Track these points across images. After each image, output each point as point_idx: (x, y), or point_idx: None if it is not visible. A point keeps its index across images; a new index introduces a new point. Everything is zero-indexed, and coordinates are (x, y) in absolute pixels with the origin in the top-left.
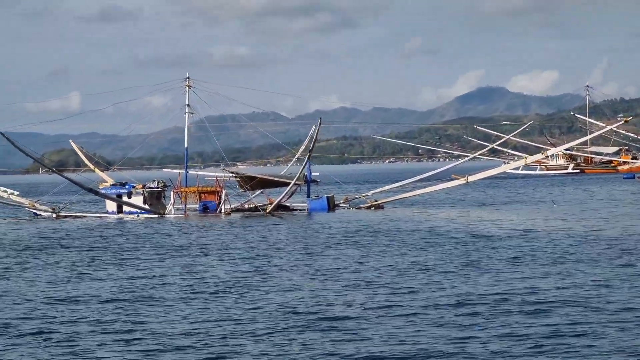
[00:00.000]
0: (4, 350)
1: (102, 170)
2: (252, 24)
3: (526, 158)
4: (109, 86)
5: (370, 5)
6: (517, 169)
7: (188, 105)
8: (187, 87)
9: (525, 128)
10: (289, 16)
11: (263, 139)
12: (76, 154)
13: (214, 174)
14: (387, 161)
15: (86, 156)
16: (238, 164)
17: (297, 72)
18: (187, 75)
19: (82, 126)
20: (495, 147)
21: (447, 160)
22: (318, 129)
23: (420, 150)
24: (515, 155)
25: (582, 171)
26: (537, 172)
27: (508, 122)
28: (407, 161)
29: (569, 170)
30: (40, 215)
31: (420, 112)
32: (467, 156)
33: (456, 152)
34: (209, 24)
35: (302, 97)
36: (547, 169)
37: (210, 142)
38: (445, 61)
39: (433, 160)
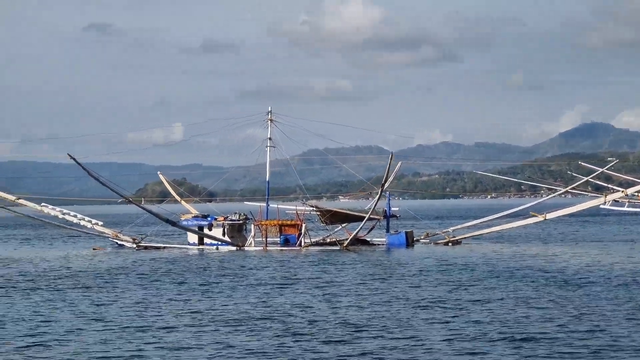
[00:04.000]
0: None
1: (193, 202)
2: (354, 56)
3: (605, 195)
4: (210, 117)
5: (473, 39)
6: (604, 204)
7: (270, 139)
8: (269, 121)
9: (611, 166)
10: (391, 49)
11: (366, 172)
12: (166, 184)
13: (294, 207)
14: (489, 197)
15: (172, 187)
16: (340, 197)
17: (399, 106)
18: (270, 109)
19: (185, 157)
20: (598, 183)
21: (549, 196)
22: (389, 164)
23: (522, 186)
24: (613, 189)
25: None
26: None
27: (613, 158)
28: (509, 197)
29: None
30: (124, 245)
31: (523, 148)
32: (573, 193)
33: (559, 188)
34: (311, 56)
35: (404, 132)
36: None
37: (314, 175)
38: (549, 96)
39: (536, 197)
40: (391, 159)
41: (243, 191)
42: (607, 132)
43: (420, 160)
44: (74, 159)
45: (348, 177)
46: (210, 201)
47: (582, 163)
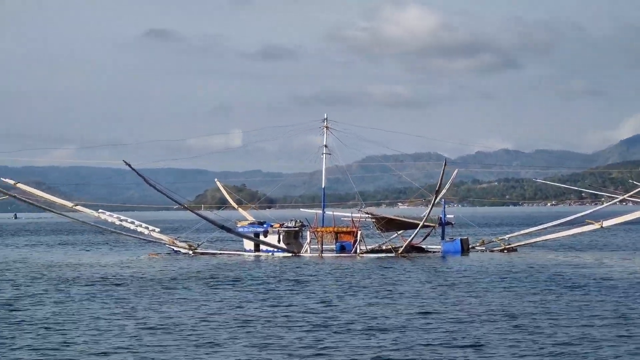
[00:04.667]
0: None
1: (251, 209)
2: (412, 63)
3: None
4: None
5: (533, 45)
6: None
7: (326, 146)
8: (325, 128)
9: None
10: (449, 56)
11: (425, 178)
12: (223, 190)
13: (350, 214)
14: (549, 204)
15: (229, 193)
16: (399, 203)
17: (458, 113)
18: (325, 117)
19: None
20: None
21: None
22: (443, 172)
23: (583, 194)
24: None
25: None
26: None
27: None
28: (570, 204)
29: None
30: (180, 252)
31: (584, 155)
32: (633, 201)
33: (617, 196)
34: (369, 62)
35: (463, 139)
36: None
37: (374, 182)
38: (611, 103)
39: (596, 204)
40: (445, 167)
41: (302, 197)
42: None
43: (479, 168)
44: (129, 166)
45: (407, 183)
46: (269, 208)
47: None
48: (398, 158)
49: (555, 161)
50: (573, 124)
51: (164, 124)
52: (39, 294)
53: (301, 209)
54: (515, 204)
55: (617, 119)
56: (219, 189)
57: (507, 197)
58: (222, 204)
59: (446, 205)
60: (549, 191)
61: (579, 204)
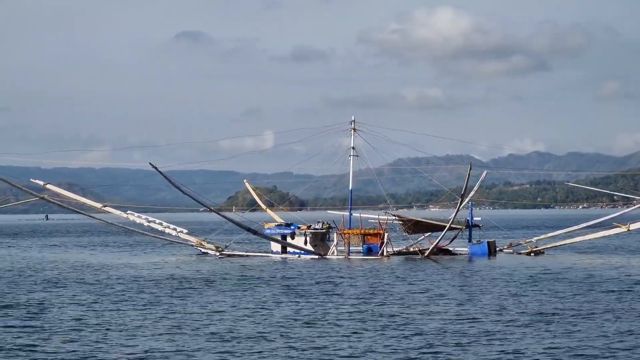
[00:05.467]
0: None
1: (282, 210)
2: (444, 65)
3: None
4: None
5: (565, 48)
6: None
7: (353, 148)
8: (353, 130)
9: None
10: (482, 58)
11: (457, 181)
12: (252, 192)
13: (377, 216)
14: (580, 207)
15: (258, 195)
16: (430, 205)
17: (490, 115)
18: (353, 119)
19: (276, 165)
20: None
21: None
22: (468, 175)
23: (615, 197)
24: None
25: None
26: None
27: None
28: (601, 207)
29: None
30: (207, 253)
31: (616, 158)
32: None
33: None
34: (401, 65)
35: (495, 141)
36: None
37: (406, 184)
38: None
39: (628, 207)
40: (470, 170)
41: (333, 199)
42: None
43: (511, 170)
44: (156, 168)
45: (439, 186)
46: (300, 210)
47: None
48: (429, 161)
49: (587, 164)
50: (605, 127)
51: (196, 127)
52: (67, 294)
53: (328, 211)
54: (547, 207)
55: None
56: (249, 191)
57: (539, 199)
58: (253, 205)
59: (478, 208)
60: (580, 194)
61: (611, 207)
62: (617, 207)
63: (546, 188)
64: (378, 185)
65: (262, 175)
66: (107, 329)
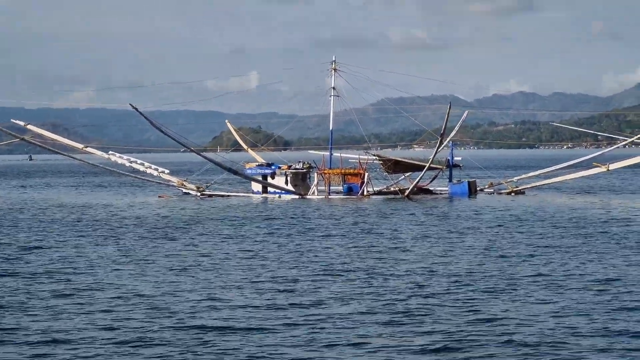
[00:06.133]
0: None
1: (266, 150)
2: (430, 5)
3: None
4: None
5: None
6: None
7: (334, 88)
8: (333, 71)
9: None
10: None
11: (441, 120)
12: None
13: (357, 156)
14: (565, 147)
15: (240, 136)
16: (415, 146)
17: (476, 56)
18: (334, 59)
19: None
20: None
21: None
22: (448, 114)
23: (599, 137)
24: None
25: None
26: None
27: None
28: (585, 147)
29: None
30: (189, 193)
31: (600, 98)
32: None
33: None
34: (388, 5)
35: (480, 81)
36: None
37: (390, 124)
38: (629, 46)
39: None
40: (449, 110)
41: (317, 139)
42: None
43: (494, 110)
44: (136, 109)
45: (423, 125)
46: (285, 149)
47: None
48: (414, 101)
49: (571, 104)
50: (590, 67)
51: (181, 68)
52: (49, 235)
53: (309, 151)
54: (531, 147)
55: (635, 62)
56: (236, 131)
57: (524, 139)
58: (238, 145)
59: (462, 148)
60: (565, 134)
61: (595, 147)
62: (601, 147)
63: (531, 128)
64: (362, 126)
65: (248, 115)
66: (91, 270)
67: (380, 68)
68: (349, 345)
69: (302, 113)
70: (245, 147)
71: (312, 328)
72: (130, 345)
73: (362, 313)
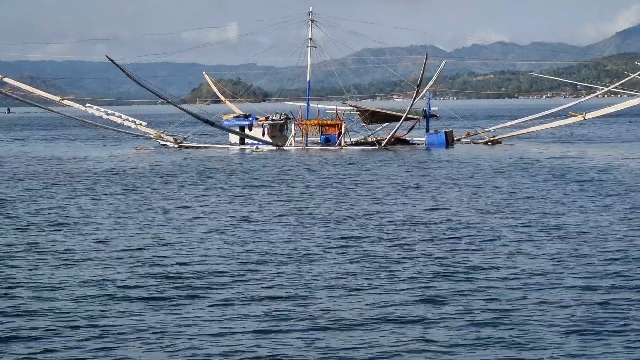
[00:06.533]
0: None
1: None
2: None
3: None
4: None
5: None
6: None
7: (311, 39)
8: (310, 22)
9: None
10: None
11: (420, 71)
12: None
13: (334, 107)
14: (544, 97)
15: (218, 88)
16: (394, 96)
17: (454, 5)
18: (311, 10)
19: (240, 57)
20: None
21: (605, 96)
22: (424, 64)
23: (578, 87)
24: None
25: None
26: None
27: None
28: (565, 97)
29: None
30: (167, 145)
31: (579, 48)
32: (628, 93)
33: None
34: None
35: (459, 31)
36: None
37: (368, 74)
38: None
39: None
40: (426, 60)
41: (297, 91)
42: None
43: (474, 60)
44: (112, 61)
45: (403, 76)
46: (264, 101)
47: (639, 63)
48: (394, 52)
49: (550, 54)
50: (569, 16)
51: (159, 19)
52: (26, 189)
53: (287, 102)
54: (511, 97)
55: (614, 11)
56: (214, 83)
57: (503, 89)
58: (217, 97)
59: (442, 98)
60: (544, 84)
61: (574, 97)
62: (580, 96)
63: (510, 78)
64: (342, 77)
65: (227, 67)
66: (69, 223)
67: (359, 19)
68: (330, 297)
69: (281, 65)
70: (222, 98)
71: (292, 276)
72: (110, 298)
73: (340, 263)
